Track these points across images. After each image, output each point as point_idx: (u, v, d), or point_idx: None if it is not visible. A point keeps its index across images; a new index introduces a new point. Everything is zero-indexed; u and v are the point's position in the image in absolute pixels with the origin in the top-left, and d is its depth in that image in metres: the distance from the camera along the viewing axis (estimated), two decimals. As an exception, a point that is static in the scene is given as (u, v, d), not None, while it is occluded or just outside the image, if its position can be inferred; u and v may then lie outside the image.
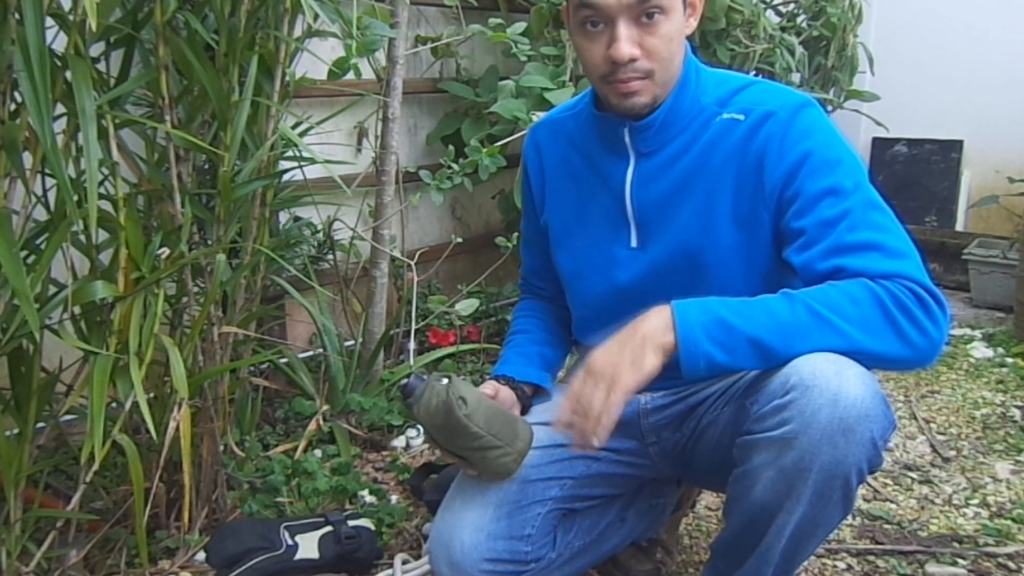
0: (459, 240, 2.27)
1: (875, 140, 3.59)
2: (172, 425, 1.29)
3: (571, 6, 1.08)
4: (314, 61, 1.71)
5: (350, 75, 1.74)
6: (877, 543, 1.56)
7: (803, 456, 0.91)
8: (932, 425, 2.07)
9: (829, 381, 0.90)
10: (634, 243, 1.17)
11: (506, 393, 1.24)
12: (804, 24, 2.94)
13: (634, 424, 1.23)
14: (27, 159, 1.15)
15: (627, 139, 1.15)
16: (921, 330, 0.96)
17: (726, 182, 1.10)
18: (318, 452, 1.83)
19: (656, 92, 1.09)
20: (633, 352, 0.96)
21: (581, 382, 0.99)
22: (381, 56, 1.99)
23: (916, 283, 0.97)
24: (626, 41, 1.03)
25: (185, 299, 1.46)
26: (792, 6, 2.96)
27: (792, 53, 2.66)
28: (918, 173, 3.56)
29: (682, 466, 1.24)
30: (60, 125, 1.14)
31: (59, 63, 1.16)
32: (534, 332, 1.35)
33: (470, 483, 1.16)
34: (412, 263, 2.12)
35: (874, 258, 0.98)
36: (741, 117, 1.10)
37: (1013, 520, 1.63)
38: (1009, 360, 2.46)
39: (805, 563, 1.48)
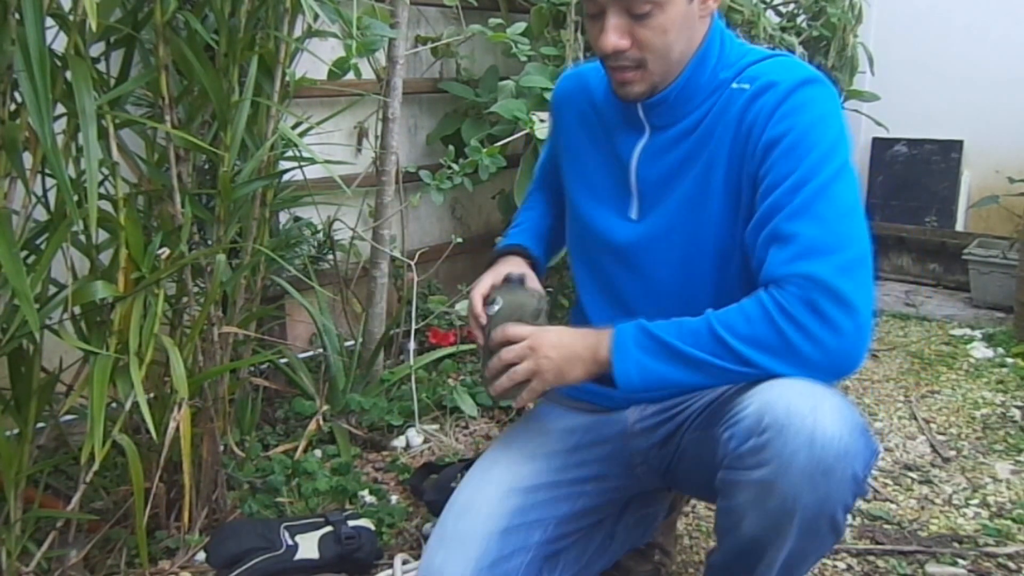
0: (459, 240, 2.27)
1: (875, 140, 3.59)
2: (172, 425, 1.29)
3: None
4: (314, 61, 1.71)
5: (350, 75, 1.74)
6: (877, 543, 1.56)
7: (785, 499, 0.90)
8: (932, 425, 2.07)
9: (804, 420, 0.89)
10: (634, 215, 1.17)
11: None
12: (804, 24, 2.94)
13: (620, 447, 1.20)
14: (27, 159, 1.15)
15: (641, 113, 1.15)
16: (814, 341, 0.93)
17: (723, 152, 1.09)
18: (318, 452, 1.83)
19: (653, 80, 1.09)
20: (564, 367, 1.06)
21: (522, 350, 1.07)
22: (381, 56, 1.99)
23: (817, 285, 0.93)
24: (612, 32, 1.04)
25: (185, 299, 1.46)
26: (792, 6, 2.96)
27: (792, 53, 2.66)
28: (918, 173, 3.56)
29: (669, 479, 1.22)
30: (60, 125, 1.14)
31: (59, 63, 1.16)
32: (542, 214, 1.41)
33: (451, 534, 1.13)
34: (412, 263, 2.12)
35: (786, 253, 0.96)
36: (747, 86, 1.08)
37: (1013, 520, 1.64)
38: (1009, 360, 2.46)
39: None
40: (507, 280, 1.18)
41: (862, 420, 0.93)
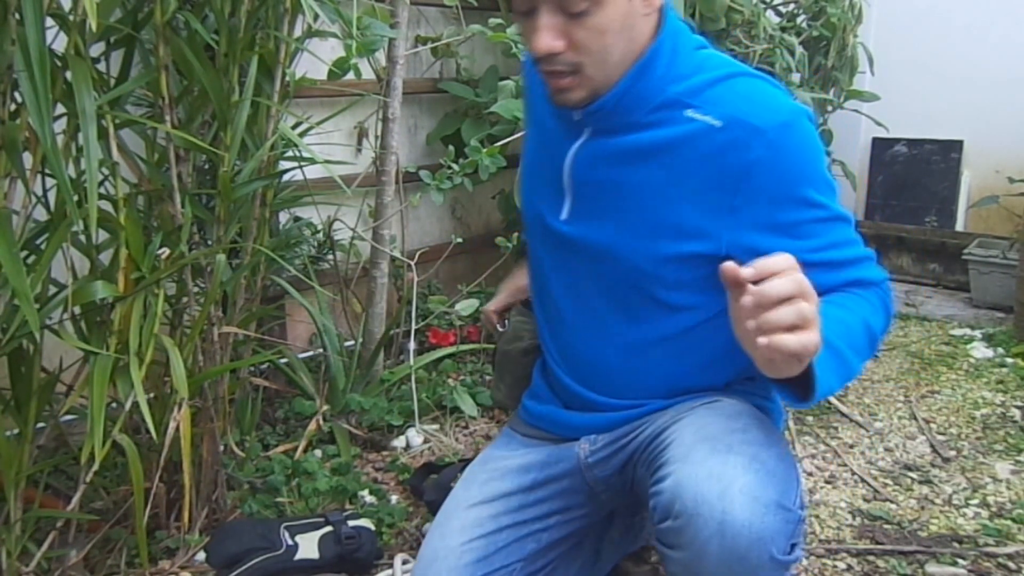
0: (459, 240, 2.27)
1: (875, 140, 3.58)
2: (172, 425, 1.29)
3: None
4: (314, 61, 1.71)
5: (350, 75, 1.74)
6: (877, 543, 1.56)
7: None
8: (932, 425, 2.07)
9: (712, 508, 0.87)
10: (564, 215, 1.13)
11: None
12: (804, 24, 2.94)
13: (578, 480, 1.18)
14: (27, 159, 1.15)
15: (578, 115, 1.08)
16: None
17: (684, 189, 1.03)
18: (318, 452, 1.83)
19: (593, 86, 1.01)
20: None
21: (797, 283, 0.81)
22: (381, 56, 1.99)
23: (887, 282, 1.10)
24: (546, 32, 0.96)
25: (185, 299, 1.46)
26: (792, 6, 2.96)
27: (792, 53, 2.66)
28: (918, 173, 3.55)
29: (635, 497, 1.18)
30: (60, 125, 1.14)
31: (59, 63, 1.16)
32: None
33: None
34: (412, 263, 2.12)
35: (870, 267, 1.08)
36: (718, 123, 1.00)
37: (1013, 520, 1.64)
38: (1009, 360, 2.46)
39: (805, 563, 1.48)
40: (524, 303, 1.36)
41: (778, 492, 0.90)
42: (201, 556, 1.46)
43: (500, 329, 1.39)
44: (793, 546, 0.91)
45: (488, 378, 2.22)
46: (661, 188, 1.04)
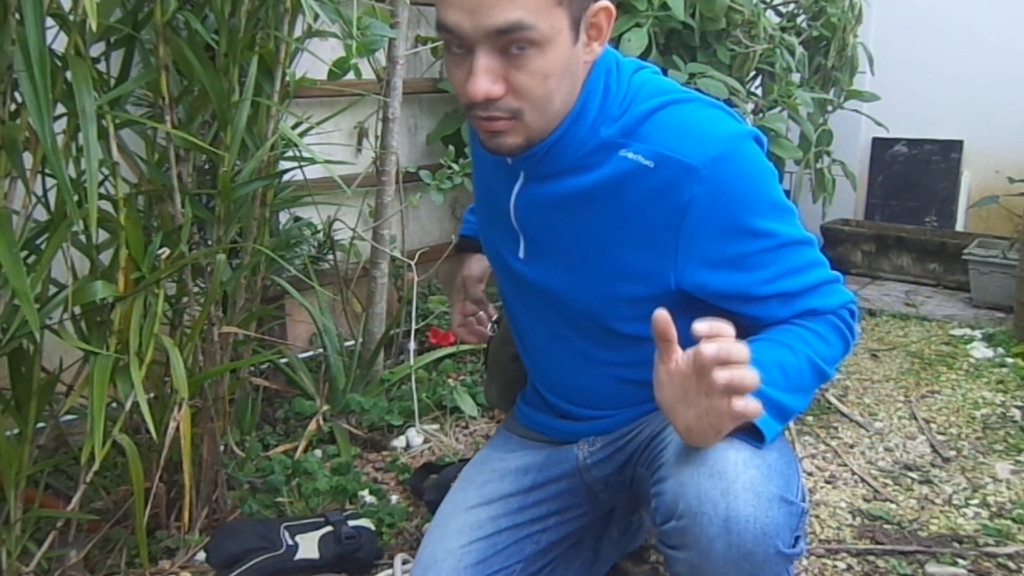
0: (459, 240, 2.27)
1: (875, 140, 3.59)
2: (172, 425, 1.29)
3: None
4: (314, 61, 1.71)
5: (350, 75, 1.74)
6: (877, 543, 1.56)
7: None
8: (932, 425, 2.07)
9: (716, 506, 0.86)
10: (521, 255, 1.12)
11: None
12: (804, 24, 2.94)
13: (577, 481, 1.19)
14: (27, 159, 1.15)
15: (510, 161, 1.05)
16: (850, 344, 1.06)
17: (627, 233, 1.01)
18: (318, 452, 1.83)
19: (529, 133, 0.96)
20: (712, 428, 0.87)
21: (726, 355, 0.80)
22: (381, 56, 1.99)
23: (845, 307, 1.05)
24: (484, 76, 0.89)
25: (185, 299, 1.46)
26: (792, 6, 2.96)
27: (792, 53, 2.66)
28: (918, 173, 3.56)
29: (635, 495, 1.18)
30: (60, 125, 1.14)
31: (59, 63, 1.16)
32: None
33: None
34: (412, 263, 2.12)
35: (828, 292, 1.03)
36: (650, 164, 0.96)
37: (1013, 520, 1.64)
38: (1009, 360, 2.46)
39: (805, 563, 1.48)
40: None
41: (780, 486, 0.89)
42: (201, 556, 1.46)
43: (490, 334, 1.40)
44: (797, 539, 0.91)
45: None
46: (604, 233, 1.02)
